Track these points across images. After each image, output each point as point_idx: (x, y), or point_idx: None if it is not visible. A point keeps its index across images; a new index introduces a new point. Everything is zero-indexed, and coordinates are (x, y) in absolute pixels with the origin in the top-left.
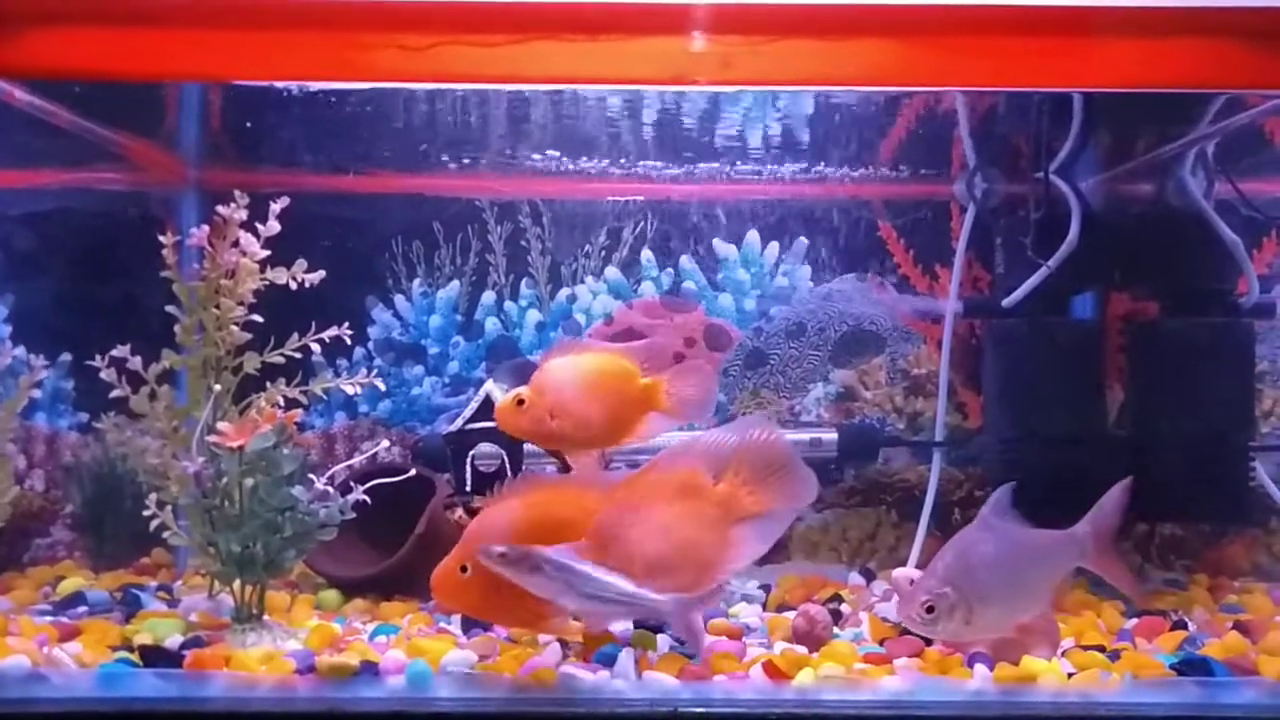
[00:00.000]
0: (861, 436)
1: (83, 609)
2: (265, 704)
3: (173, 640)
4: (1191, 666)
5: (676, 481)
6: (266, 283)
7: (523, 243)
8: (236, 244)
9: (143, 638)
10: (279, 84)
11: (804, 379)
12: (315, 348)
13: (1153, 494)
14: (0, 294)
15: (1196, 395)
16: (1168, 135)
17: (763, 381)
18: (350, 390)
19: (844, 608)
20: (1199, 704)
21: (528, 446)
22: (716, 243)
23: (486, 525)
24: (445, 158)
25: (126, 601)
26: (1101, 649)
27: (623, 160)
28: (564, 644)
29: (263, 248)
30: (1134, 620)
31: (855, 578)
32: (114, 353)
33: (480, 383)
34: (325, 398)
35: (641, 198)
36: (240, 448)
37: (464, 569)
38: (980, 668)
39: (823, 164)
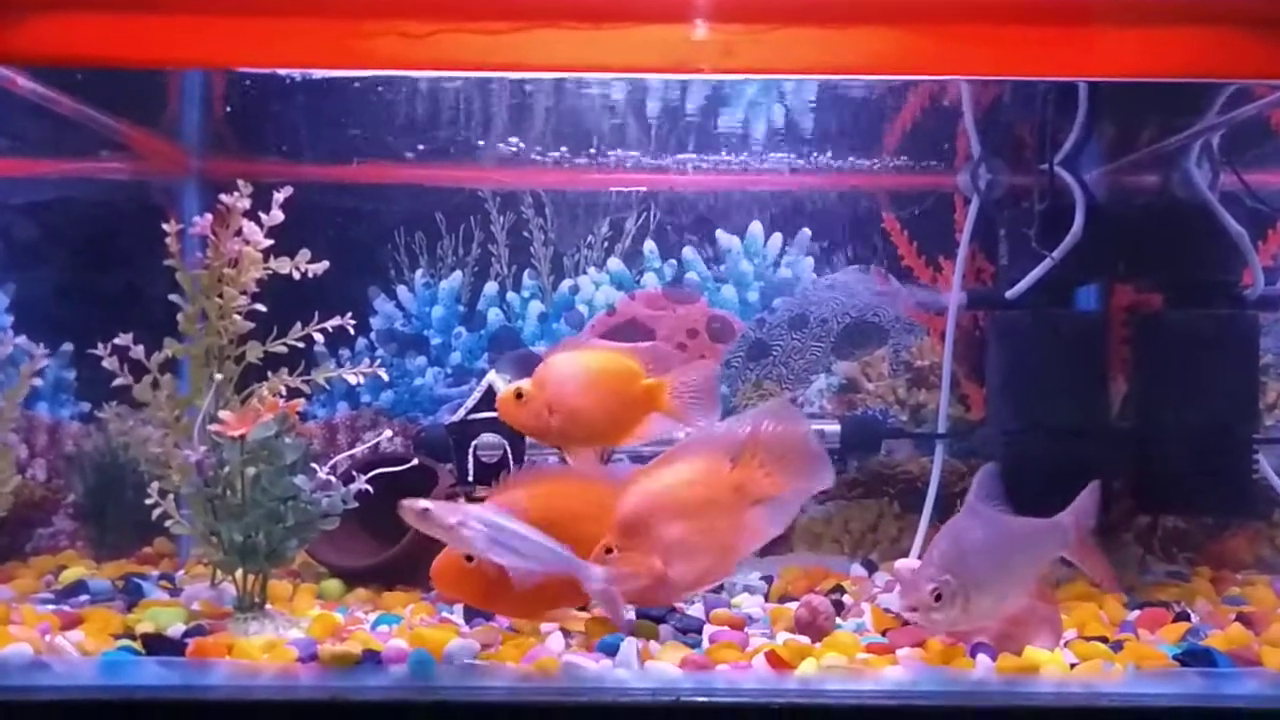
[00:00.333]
0: (864, 428)
1: (85, 598)
2: (267, 692)
3: (175, 629)
4: (1194, 657)
5: (698, 467)
6: (269, 272)
7: (525, 233)
8: (240, 233)
9: (145, 626)
10: (280, 71)
11: (806, 370)
12: (318, 337)
13: (1156, 486)
14: (2, 283)
15: (1200, 388)
16: (1172, 126)
17: (765, 373)
18: (353, 380)
19: (846, 599)
20: (1202, 694)
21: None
22: (720, 234)
23: None
24: (448, 147)
25: (129, 590)
26: (1104, 640)
27: (625, 150)
28: (566, 633)
29: (266, 237)
30: (1136, 612)
31: (857, 569)
32: (116, 341)
33: (483, 373)
34: (328, 387)
35: (644, 188)
36: (242, 437)
37: (468, 559)
38: (983, 658)
39: (828, 154)
